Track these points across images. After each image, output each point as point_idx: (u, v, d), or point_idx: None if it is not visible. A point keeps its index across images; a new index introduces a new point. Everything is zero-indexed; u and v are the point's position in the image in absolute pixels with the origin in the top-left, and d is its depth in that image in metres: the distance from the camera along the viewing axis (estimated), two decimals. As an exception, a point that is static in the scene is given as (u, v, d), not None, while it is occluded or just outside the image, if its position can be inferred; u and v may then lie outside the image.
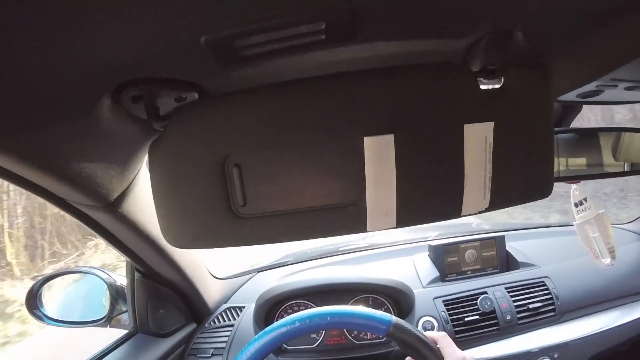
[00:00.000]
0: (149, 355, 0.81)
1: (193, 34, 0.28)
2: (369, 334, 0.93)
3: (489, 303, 0.96)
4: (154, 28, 0.27)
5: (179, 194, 0.35)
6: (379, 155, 0.34)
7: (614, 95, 0.51)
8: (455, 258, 1.09)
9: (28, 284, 3.78)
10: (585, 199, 0.73)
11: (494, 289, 1.00)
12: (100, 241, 0.71)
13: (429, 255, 1.14)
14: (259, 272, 1.20)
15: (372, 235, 1.37)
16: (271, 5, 0.27)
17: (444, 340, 0.60)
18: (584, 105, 0.61)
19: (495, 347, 0.92)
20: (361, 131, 0.34)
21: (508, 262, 1.11)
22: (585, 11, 0.33)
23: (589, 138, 0.70)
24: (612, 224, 1.27)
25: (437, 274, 1.06)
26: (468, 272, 1.09)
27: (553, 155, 0.41)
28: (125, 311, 0.84)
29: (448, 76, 0.36)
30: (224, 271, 1.12)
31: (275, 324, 0.60)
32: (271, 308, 0.96)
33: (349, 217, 0.36)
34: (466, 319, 0.94)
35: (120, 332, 0.84)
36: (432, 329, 0.92)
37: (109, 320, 0.82)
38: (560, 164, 0.69)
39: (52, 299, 0.82)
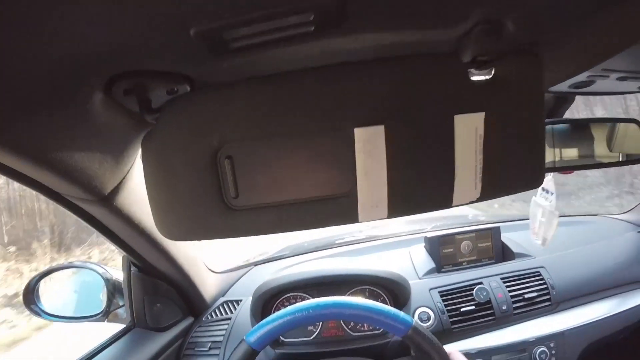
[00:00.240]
0: (146, 349, 0.81)
1: (182, 26, 0.28)
2: (365, 325, 0.94)
3: (484, 293, 0.97)
4: (142, 18, 0.26)
5: (172, 187, 0.35)
6: (369, 146, 0.34)
7: (606, 85, 0.51)
8: (451, 249, 1.10)
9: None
10: (552, 194, 0.78)
11: (490, 279, 1.00)
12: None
13: (424, 246, 1.14)
14: (255, 265, 1.20)
15: (369, 228, 1.38)
16: None
17: (456, 354, 0.63)
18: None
19: (491, 337, 0.92)
20: (352, 122, 0.34)
21: (504, 253, 1.12)
22: (577, 1, 0.33)
23: (582, 129, 0.71)
24: (609, 215, 1.29)
25: (433, 265, 1.07)
26: (464, 263, 1.09)
27: (544, 146, 0.41)
28: (123, 306, 0.84)
29: (438, 67, 0.36)
30: (220, 265, 1.12)
31: (295, 306, 0.62)
32: (268, 301, 0.96)
33: (340, 208, 0.36)
34: (462, 310, 0.95)
35: (117, 327, 0.85)
36: (428, 319, 0.93)
37: (106, 315, 0.83)
38: (555, 154, 0.69)
39: (50, 294, 0.82)
